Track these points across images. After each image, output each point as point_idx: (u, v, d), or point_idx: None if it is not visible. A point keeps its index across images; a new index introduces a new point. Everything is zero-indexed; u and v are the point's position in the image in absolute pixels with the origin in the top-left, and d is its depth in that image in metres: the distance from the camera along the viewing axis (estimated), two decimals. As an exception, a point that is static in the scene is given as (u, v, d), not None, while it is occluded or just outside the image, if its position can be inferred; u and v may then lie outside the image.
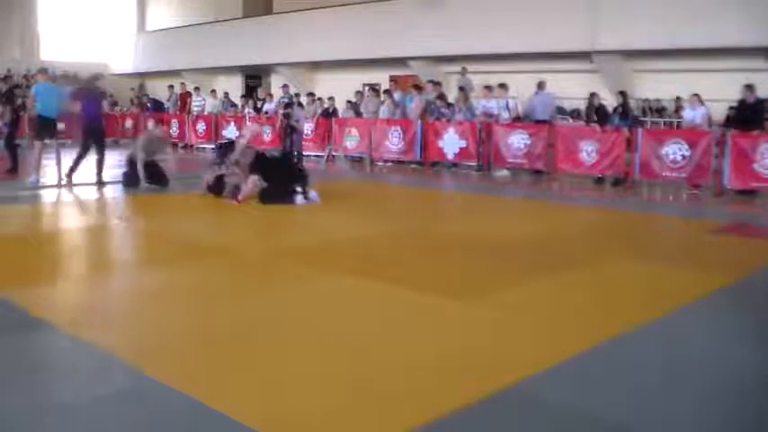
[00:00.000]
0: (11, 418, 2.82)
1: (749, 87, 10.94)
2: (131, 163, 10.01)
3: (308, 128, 15.75)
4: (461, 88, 15.15)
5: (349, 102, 16.59)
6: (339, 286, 5.03)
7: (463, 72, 16.72)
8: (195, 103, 20.47)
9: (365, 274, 5.27)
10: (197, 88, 21.43)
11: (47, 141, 10.53)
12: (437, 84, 15.52)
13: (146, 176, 9.83)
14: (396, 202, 10.78)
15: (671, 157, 11.02)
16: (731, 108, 13.77)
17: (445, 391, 3.17)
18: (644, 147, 11.32)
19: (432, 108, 14.61)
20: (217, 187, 9.14)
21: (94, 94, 11.25)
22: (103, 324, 4.09)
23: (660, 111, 16.02)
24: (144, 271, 5.59)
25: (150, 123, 11.19)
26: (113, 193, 9.83)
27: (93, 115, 10.79)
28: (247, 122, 18.20)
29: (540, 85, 14.16)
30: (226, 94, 20.89)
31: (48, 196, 9.70)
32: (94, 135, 10.65)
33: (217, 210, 8.61)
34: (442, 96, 14.79)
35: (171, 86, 21.71)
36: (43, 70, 11.49)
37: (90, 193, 9.85)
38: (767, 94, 11.28)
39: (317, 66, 22.46)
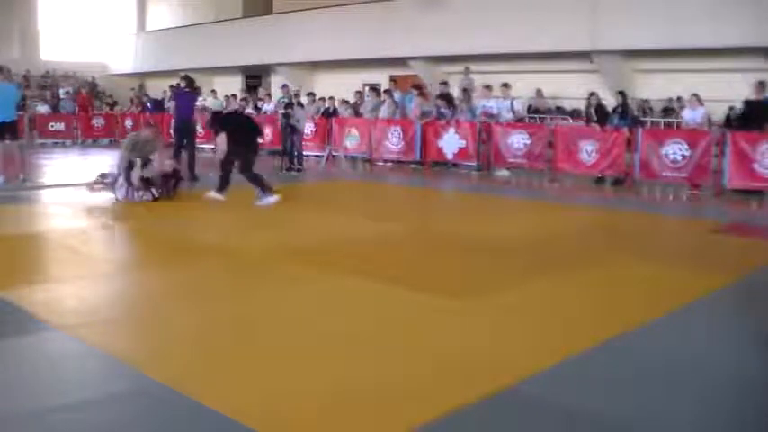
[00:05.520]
0: (11, 419, 2.82)
1: (762, 84, 10.81)
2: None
3: (308, 128, 15.73)
4: (465, 90, 15.10)
5: (345, 101, 16.55)
6: (338, 286, 5.02)
7: (466, 72, 16.67)
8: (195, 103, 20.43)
9: (365, 274, 5.26)
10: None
11: (7, 142, 10.36)
12: (443, 83, 15.37)
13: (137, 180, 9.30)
14: (395, 203, 10.78)
15: (671, 157, 11.00)
16: (731, 108, 13.77)
17: (445, 390, 3.17)
18: (644, 147, 11.30)
19: (429, 112, 14.51)
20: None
21: (189, 94, 11.90)
22: (102, 325, 4.08)
23: (666, 111, 15.98)
24: (142, 271, 5.59)
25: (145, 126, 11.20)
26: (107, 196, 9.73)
27: (186, 116, 11.64)
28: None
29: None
30: (227, 97, 20.83)
31: (40, 196, 9.68)
32: (186, 135, 11.53)
33: (211, 210, 8.60)
34: (443, 96, 14.71)
35: (172, 86, 21.70)
36: (2, 69, 10.75)
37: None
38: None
39: (316, 66, 22.45)
